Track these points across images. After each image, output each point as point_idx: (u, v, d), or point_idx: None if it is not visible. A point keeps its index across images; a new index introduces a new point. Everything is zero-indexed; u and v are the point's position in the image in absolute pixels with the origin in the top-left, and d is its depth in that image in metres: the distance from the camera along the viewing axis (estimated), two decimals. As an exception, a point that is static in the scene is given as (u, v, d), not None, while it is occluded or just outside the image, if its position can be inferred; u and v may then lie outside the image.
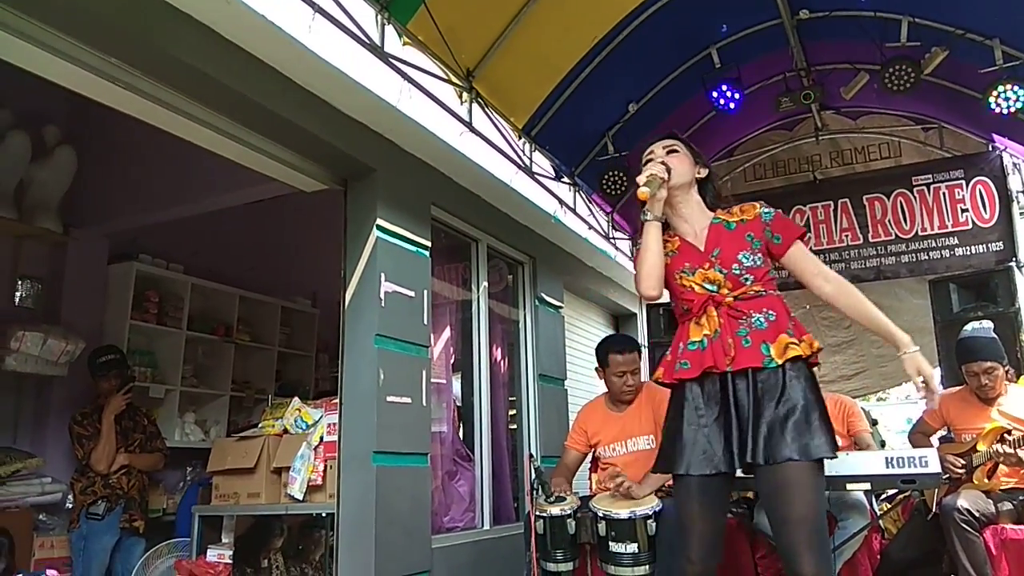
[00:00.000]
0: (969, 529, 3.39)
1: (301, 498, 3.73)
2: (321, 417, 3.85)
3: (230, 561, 3.90)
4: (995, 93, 4.45)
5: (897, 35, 4.62)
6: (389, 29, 3.64)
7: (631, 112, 5.34)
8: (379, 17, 3.57)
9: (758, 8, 4.70)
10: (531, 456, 3.26)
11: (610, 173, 5.49)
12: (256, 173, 3.75)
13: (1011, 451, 3.43)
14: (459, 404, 4.85)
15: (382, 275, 3.71)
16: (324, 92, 3.42)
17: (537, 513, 3.18)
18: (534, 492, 3.22)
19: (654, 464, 2.37)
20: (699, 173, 2.42)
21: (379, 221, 3.77)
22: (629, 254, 7.05)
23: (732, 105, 5.04)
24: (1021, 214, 5.64)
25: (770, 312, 2.22)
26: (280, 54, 3.16)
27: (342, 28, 3.32)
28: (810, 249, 5.81)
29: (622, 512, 3.06)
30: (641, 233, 2.32)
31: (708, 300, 2.25)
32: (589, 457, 3.79)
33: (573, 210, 5.75)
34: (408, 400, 3.76)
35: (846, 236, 5.97)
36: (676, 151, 2.40)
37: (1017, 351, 4.63)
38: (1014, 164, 5.69)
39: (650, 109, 5.38)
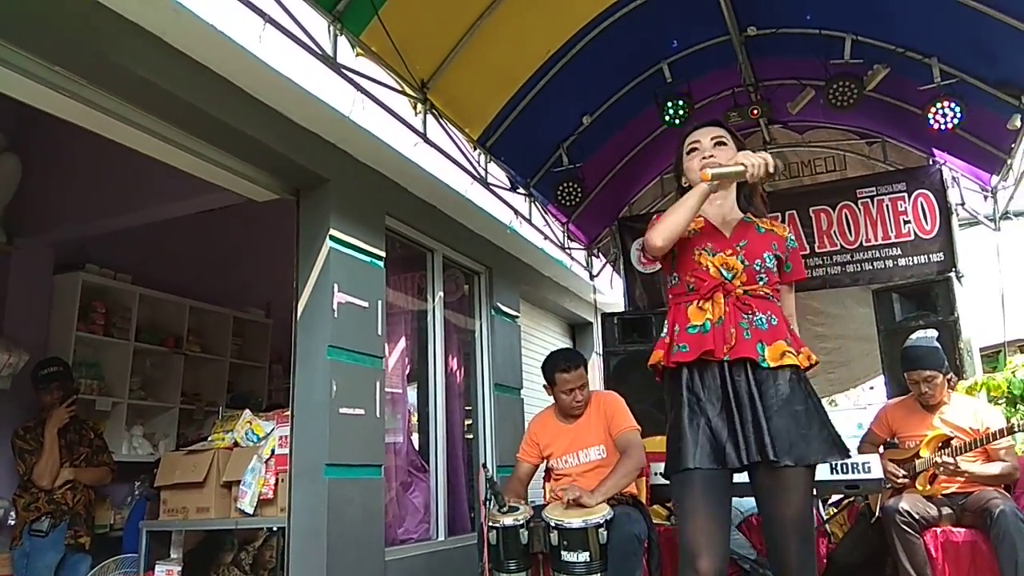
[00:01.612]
0: (910, 532, 3.47)
1: (252, 512, 3.68)
2: (272, 430, 3.81)
3: (179, 577, 3.83)
4: (934, 109, 4.60)
5: (841, 52, 4.76)
6: (342, 40, 3.64)
7: (585, 124, 5.40)
8: (331, 28, 3.57)
9: (708, 24, 4.79)
10: (484, 466, 3.26)
11: (565, 184, 5.54)
12: (206, 182, 3.71)
13: (950, 460, 3.54)
14: (414, 414, 4.85)
15: (335, 286, 3.69)
16: (275, 102, 3.40)
17: (490, 523, 3.18)
18: (487, 502, 3.23)
19: (665, 467, 2.24)
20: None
21: (332, 231, 3.76)
22: (584, 264, 7.13)
23: (677, 122, 5.13)
24: (960, 226, 5.84)
25: (773, 316, 2.22)
26: (230, 64, 3.14)
27: (293, 38, 3.31)
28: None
29: (574, 521, 3.08)
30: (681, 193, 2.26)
31: (719, 286, 2.21)
32: (542, 468, 3.82)
33: (529, 221, 5.79)
34: (361, 411, 3.74)
35: (794, 246, 6.10)
36: (724, 143, 2.32)
37: (956, 359, 4.80)
38: (953, 178, 5.89)
39: (604, 122, 5.45)
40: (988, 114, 4.69)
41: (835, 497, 4.37)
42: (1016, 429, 3.58)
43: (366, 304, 3.88)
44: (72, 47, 2.70)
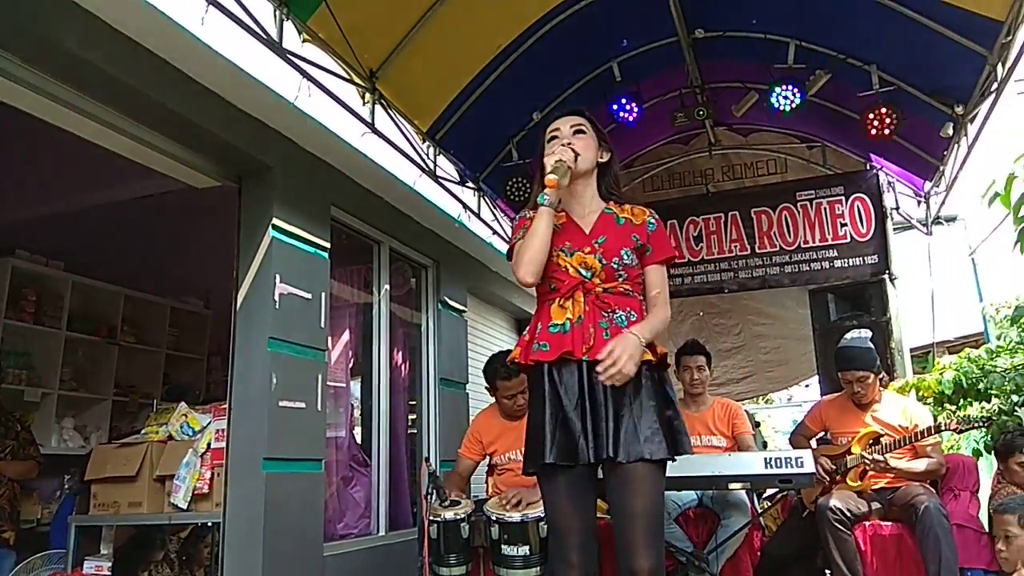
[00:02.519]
0: (841, 527, 3.58)
1: (185, 507, 3.61)
2: (209, 423, 3.74)
3: (108, 573, 3.72)
4: (871, 115, 4.74)
5: (785, 57, 4.86)
6: (288, 25, 3.56)
7: (535, 120, 5.41)
8: (277, 12, 3.49)
9: (657, 26, 4.84)
10: (427, 460, 3.26)
11: (514, 179, 5.54)
12: (144, 167, 3.60)
13: (880, 457, 3.66)
14: (357, 408, 4.79)
15: (277, 276, 3.62)
16: (217, 86, 3.32)
17: (431, 518, 3.18)
18: (429, 497, 3.22)
19: (523, 466, 2.30)
20: (602, 157, 2.38)
21: (275, 220, 3.68)
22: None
23: (631, 118, 5.18)
24: (894, 230, 6.04)
25: (632, 312, 2.25)
26: (170, 45, 3.05)
27: (237, 22, 3.22)
28: (702, 258, 6.01)
29: (515, 515, 3.10)
30: (534, 209, 2.25)
31: (579, 285, 2.23)
32: (485, 462, 3.82)
33: (478, 215, 5.77)
34: (302, 405, 3.68)
35: (735, 246, 6.23)
36: (583, 131, 2.35)
37: (888, 359, 4.97)
38: (889, 183, 6.09)
39: (554, 117, 5.45)
40: (923, 122, 4.85)
41: (770, 491, 4.49)
42: (943, 428, 3.72)
43: (309, 296, 3.82)
44: (1, 22, 2.57)
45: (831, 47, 4.80)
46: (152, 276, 5.73)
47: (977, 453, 5.49)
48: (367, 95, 4.14)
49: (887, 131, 4.73)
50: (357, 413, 4.77)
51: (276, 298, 3.60)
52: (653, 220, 2.37)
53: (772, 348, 8.51)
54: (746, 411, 4.46)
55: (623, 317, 2.22)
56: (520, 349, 2.30)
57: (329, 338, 4.08)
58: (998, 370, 5.16)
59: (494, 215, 6.01)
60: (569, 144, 2.28)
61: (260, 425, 3.48)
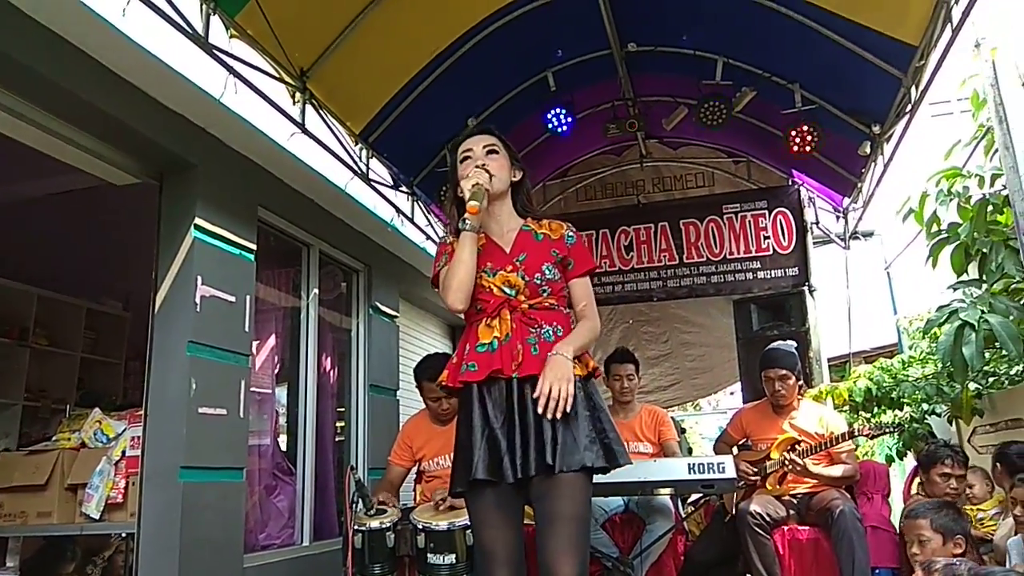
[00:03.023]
0: (760, 532, 3.68)
1: (98, 517, 3.48)
2: (124, 430, 3.60)
3: (15, 588, 3.53)
4: (793, 133, 4.92)
5: (713, 73, 5.00)
6: (215, 20, 3.45)
7: (470, 126, 5.39)
8: (204, 6, 3.38)
9: (591, 38, 4.90)
10: (352, 468, 3.19)
11: (448, 185, 5.52)
12: (61, 162, 3.44)
13: (799, 461, 3.79)
14: (283, 415, 4.68)
15: (199, 278, 3.51)
16: (138, 79, 3.21)
17: (355, 526, 3.12)
18: (354, 505, 3.16)
19: (450, 486, 2.27)
20: (515, 176, 2.40)
21: (198, 220, 3.57)
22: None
23: (564, 128, 5.23)
24: (814, 243, 6.27)
25: (559, 327, 2.27)
26: (89, 36, 2.93)
27: (161, 14, 3.10)
28: (632, 267, 6.10)
29: (441, 523, 3.07)
30: (455, 235, 2.26)
31: (504, 303, 2.24)
32: (414, 470, 3.78)
33: (411, 219, 5.71)
34: (223, 411, 3.57)
35: (664, 256, 6.37)
36: (495, 151, 2.36)
37: (807, 368, 5.14)
38: (809, 198, 6.32)
39: (489, 124, 5.46)
40: (842, 139, 5.05)
41: (694, 496, 4.58)
42: (856, 434, 3.88)
43: (233, 299, 3.71)
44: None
45: (757, 65, 4.95)
46: (68, 276, 5.47)
47: (890, 459, 5.74)
48: (297, 94, 4.05)
49: (808, 148, 4.90)
50: (282, 420, 4.67)
51: (197, 300, 3.49)
52: (571, 233, 2.40)
53: (698, 356, 8.71)
54: (672, 418, 4.55)
55: (550, 332, 2.24)
56: (449, 372, 2.29)
57: (254, 343, 3.97)
58: (910, 379, 5.40)
59: (428, 220, 5.96)
60: (483, 165, 2.28)
61: (178, 432, 3.37)
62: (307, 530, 4.38)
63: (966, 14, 3.39)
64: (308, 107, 4.11)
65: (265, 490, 4.21)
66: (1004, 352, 4.47)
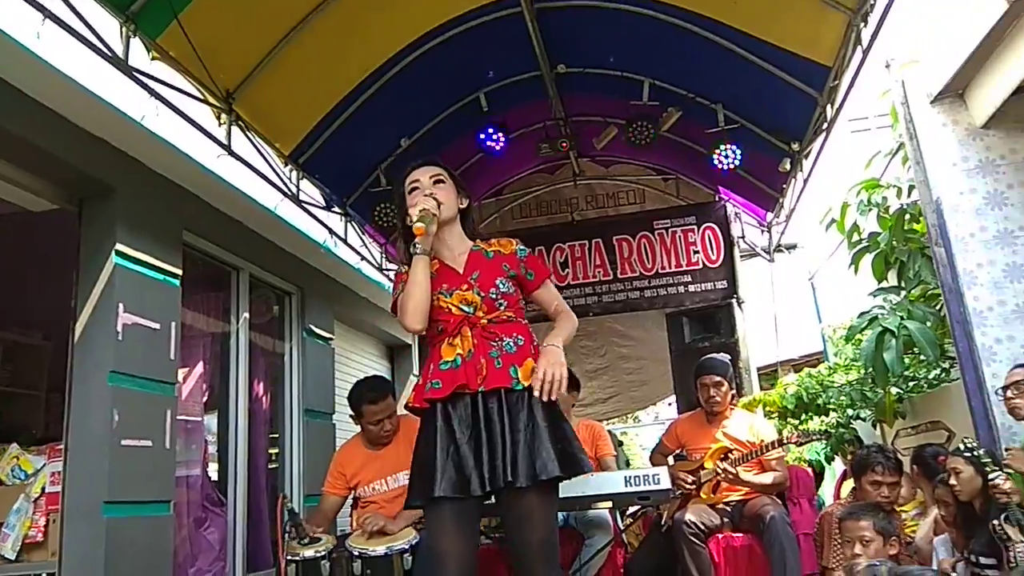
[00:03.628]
0: (695, 541, 3.73)
1: (14, 558, 3.33)
2: (44, 465, 3.46)
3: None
4: (718, 151, 5.07)
5: (640, 94, 5.13)
6: (135, 42, 3.37)
7: (403, 147, 5.40)
8: (124, 29, 3.30)
9: (521, 59, 4.96)
10: (283, 496, 3.12)
11: (382, 205, 5.48)
12: (-29, 189, 3.30)
13: (731, 469, 3.87)
14: (213, 444, 4.55)
15: (120, 305, 3.41)
16: (54, 103, 3.11)
17: (289, 557, 3.04)
18: (285, 534, 3.09)
19: (406, 499, 2.32)
20: (462, 203, 2.46)
21: (119, 246, 3.47)
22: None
23: (497, 147, 5.28)
24: (741, 257, 6.46)
25: (519, 337, 2.32)
26: (1, 58, 2.82)
27: (78, 37, 3.02)
28: (568, 283, 6.18)
29: (378, 548, 3.02)
30: (407, 263, 2.31)
31: (463, 321, 2.29)
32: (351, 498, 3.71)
33: (345, 240, 5.65)
34: (148, 443, 3.46)
35: (599, 272, 6.47)
36: (442, 180, 2.41)
37: (737, 378, 5.27)
38: (735, 213, 6.52)
39: (422, 145, 5.47)
40: (764, 157, 5.23)
41: (632, 508, 4.63)
42: (785, 441, 3.99)
43: (157, 326, 3.61)
44: None
45: (682, 86, 5.10)
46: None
47: (819, 464, 5.92)
48: (223, 116, 3.98)
49: (732, 166, 5.06)
50: (212, 449, 4.54)
51: (119, 329, 3.38)
52: (522, 248, 2.49)
53: (635, 369, 8.86)
54: (609, 431, 4.60)
55: (511, 344, 2.30)
56: (415, 393, 2.34)
57: (180, 370, 3.87)
58: (835, 385, 5.60)
59: (362, 241, 5.91)
60: (431, 194, 2.34)
61: (100, 466, 3.25)
62: (239, 562, 4.26)
63: (874, 36, 3.56)
64: (234, 128, 4.04)
65: (194, 522, 4.08)
66: (923, 357, 4.70)
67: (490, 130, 5.30)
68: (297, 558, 3.04)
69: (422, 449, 2.27)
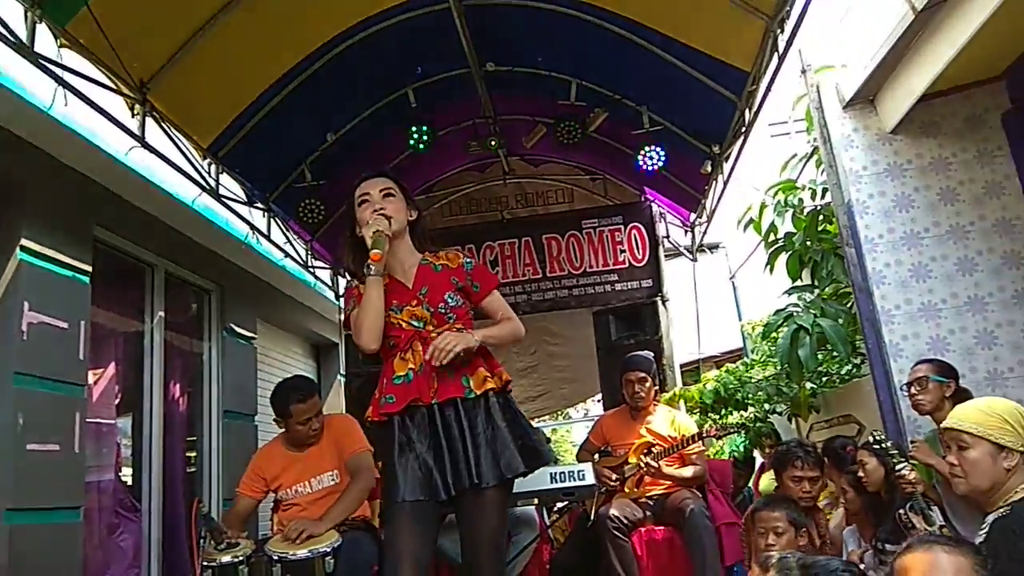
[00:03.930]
0: (619, 535, 3.81)
1: (-96, 574, 3.09)
2: (-62, 473, 3.23)
3: None
4: (643, 152, 5.17)
5: (568, 94, 5.17)
6: (42, 28, 3.20)
7: (330, 142, 5.30)
8: (29, 14, 3.13)
9: (451, 57, 4.93)
10: (199, 501, 3.02)
11: (307, 201, 5.37)
12: None
13: (654, 464, 3.96)
14: (126, 447, 4.38)
15: (25, 304, 3.25)
16: (-51, 89, 2.92)
17: (204, 562, 2.95)
18: (201, 540, 2.99)
19: (381, 503, 2.44)
20: (411, 215, 2.51)
21: (24, 241, 3.31)
22: (330, 283, 6.97)
23: (422, 146, 5.25)
24: (666, 256, 6.60)
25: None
26: None
27: (-25, 19, 2.85)
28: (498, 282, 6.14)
29: (299, 552, 2.96)
30: (357, 277, 2.40)
31: (414, 336, 2.36)
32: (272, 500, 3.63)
33: (268, 237, 5.51)
34: (55, 447, 3.31)
35: (528, 270, 6.51)
36: (392, 194, 2.46)
37: (661, 374, 5.39)
38: (660, 213, 6.66)
39: (349, 140, 5.39)
40: (687, 159, 5.35)
41: (560, 504, 4.68)
42: (704, 435, 4.10)
43: (65, 325, 3.45)
44: None
45: (608, 88, 5.16)
46: None
47: (746, 455, 6.11)
48: (137, 107, 3.82)
49: (656, 167, 5.16)
50: (126, 452, 4.36)
51: (24, 328, 3.22)
52: (469, 260, 2.56)
53: (564, 367, 8.94)
54: (538, 428, 4.62)
55: (461, 355, 2.34)
56: (372, 407, 2.40)
57: (91, 372, 3.70)
58: (753, 381, 5.79)
59: (287, 237, 5.78)
60: (382, 210, 2.39)
61: (3, 472, 3.08)
62: (155, 569, 4.12)
63: (789, 43, 3.69)
64: (149, 120, 3.88)
65: (107, 529, 3.92)
66: (835, 353, 4.90)
67: (419, 126, 5.26)
68: (214, 564, 2.95)
69: (386, 461, 2.37)
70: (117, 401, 4.22)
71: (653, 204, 6.53)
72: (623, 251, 6.34)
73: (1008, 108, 4.33)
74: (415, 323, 2.37)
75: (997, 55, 4.12)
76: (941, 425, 2.32)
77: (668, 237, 6.73)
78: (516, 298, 6.45)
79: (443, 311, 2.38)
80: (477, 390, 2.35)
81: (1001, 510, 2.02)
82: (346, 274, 2.59)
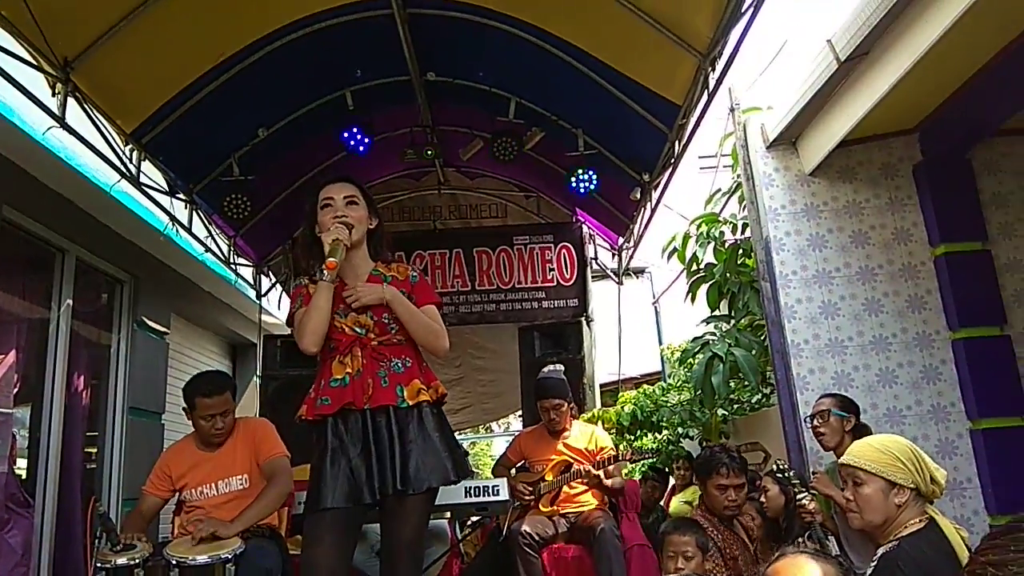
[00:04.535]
0: (530, 552, 3.83)
1: None
2: None
3: None
4: (576, 175, 5.25)
5: (507, 111, 5.21)
6: (-42, -5, 3.04)
7: (261, 137, 5.18)
8: (-57, -22, 2.97)
9: (392, 62, 4.89)
10: (94, 499, 2.89)
11: (233, 196, 5.22)
12: None
13: (595, 472, 4.01)
14: (22, 439, 4.14)
15: (-83, 283, 3.04)
16: None
17: (98, 563, 2.82)
18: (96, 541, 2.86)
19: (304, 508, 2.39)
20: (371, 223, 2.56)
21: (-79, 217, 3.10)
22: (252, 281, 6.79)
23: (361, 148, 5.19)
24: (593, 278, 6.72)
25: (407, 359, 2.47)
26: None
27: None
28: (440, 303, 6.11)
29: (199, 557, 2.86)
30: (308, 276, 2.47)
31: (355, 341, 2.41)
32: (173, 501, 3.50)
33: (188, 230, 5.32)
34: (-59, 436, 3.10)
35: (457, 282, 6.52)
36: (355, 202, 2.51)
37: (581, 392, 5.47)
38: (590, 235, 6.78)
39: (281, 137, 5.28)
40: (618, 184, 5.47)
41: (473, 519, 4.67)
42: (621, 458, 4.18)
43: (-39, 307, 3.25)
44: None
45: (546, 108, 5.23)
46: None
47: (655, 467, 6.22)
48: (58, 85, 3.65)
49: (588, 190, 5.26)
50: (21, 444, 4.13)
51: (-87, 308, 3.02)
52: (415, 274, 2.62)
53: (489, 381, 8.96)
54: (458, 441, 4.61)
55: (399, 364, 2.44)
56: (306, 406, 2.44)
57: (-13, 358, 3.51)
58: (668, 405, 5.94)
59: (209, 232, 5.60)
60: (344, 217, 2.44)
61: None
62: (45, 569, 3.91)
63: (719, 82, 3.82)
64: (71, 100, 3.72)
65: (-7, 526, 3.69)
66: (746, 382, 5.08)
67: (354, 130, 5.20)
68: (108, 565, 2.83)
69: (315, 462, 2.38)
70: (16, 390, 3.99)
71: (584, 225, 6.65)
72: (552, 269, 6.43)
73: (919, 160, 4.61)
74: (358, 329, 2.42)
75: (912, 109, 4.39)
76: (839, 460, 2.43)
77: (596, 259, 6.85)
78: (444, 309, 6.40)
79: (386, 321, 2.43)
80: (410, 400, 2.40)
81: (890, 544, 2.12)
82: (295, 272, 2.61)
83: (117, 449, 4.64)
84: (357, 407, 2.36)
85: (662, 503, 5.86)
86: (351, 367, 2.39)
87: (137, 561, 2.87)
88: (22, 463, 4.13)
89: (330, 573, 2.25)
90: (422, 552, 2.45)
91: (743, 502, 3.46)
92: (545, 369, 4.53)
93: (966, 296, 4.37)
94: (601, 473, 4.05)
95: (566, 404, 4.25)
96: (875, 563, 2.12)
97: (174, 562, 2.85)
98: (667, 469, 6.19)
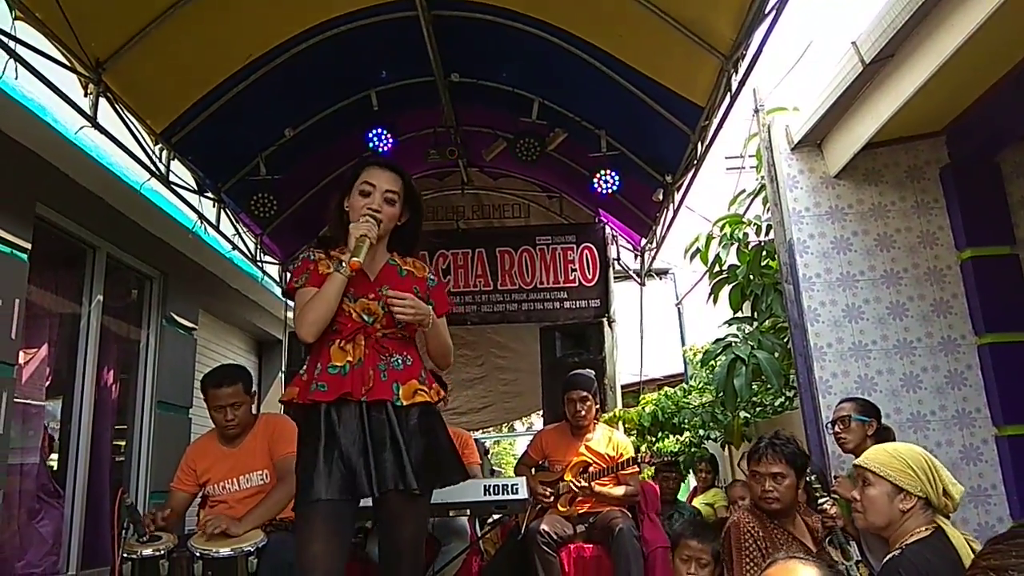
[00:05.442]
0: (548, 551, 3.84)
1: None
2: None
3: None
4: (598, 176, 5.26)
5: (530, 111, 5.23)
6: (-2, -2, 3.13)
7: (287, 137, 5.25)
8: (-17, -18, 3.06)
9: (416, 64, 4.94)
10: (122, 491, 2.96)
11: (260, 195, 5.31)
12: None
13: (585, 484, 4.02)
14: (54, 431, 4.25)
15: (-44, 278, 3.14)
16: None
17: (126, 554, 2.89)
18: (123, 531, 2.93)
19: (294, 503, 2.28)
20: (401, 220, 2.46)
21: (-41, 214, 3.20)
22: (278, 279, 6.88)
23: (385, 148, 5.24)
24: (615, 278, 6.71)
25: (408, 357, 2.37)
26: None
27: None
28: (449, 291, 6.29)
29: (223, 550, 2.92)
30: (324, 251, 2.37)
31: (360, 329, 2.30)
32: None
33: (217, 228, 5.42)
34: (-23, 427, 3.20)
35: (480, 282, 6.54)
36: (393, 200, 2.39)
37: (602, 392, 5.47)
38: (612, 236, 6.77)
39: (308, 137, 5.35)
40: (641, 185, 5.45)
41: (493, 517, 4.70)
42: (639, 461, 4.18)
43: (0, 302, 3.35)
44: None
45: (569, 109, 5.24)
46: None
47: (657, 470, 6.18)
48: (91, 86, 3.74)
49: (610, 191, 5.26)
50: (53, 436, 4.24)
51: (-48, 303, 3.12)
52: (433, 277, 2.53)
53: (510, 380, 8.98)
54: (477, 440, 4.65)
55: (400, 361, 2.34)
56: (298, 388, 2.30)
57: (22, 351, 3.60)
58: (690, 406, 5.91)
59: (236, 230, 5.69)
60: (377, 212, 2.33)
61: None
62: (75, 557, 4.01)
63: (742, 84, 3.81)
64: (102, 100, 3.81)
65: (27, 514, 3.80)
66: (769, 385, 5.05)
67: (379, 130, 5.25)
68: (134, 556, 2.90)
69: (304, 453, 2.26)
70: (47, 383, 4.10)
71: (606, 226, 6.64)
72: (574, 270, 6.43)
73: (946, 163, 4.55)
74: (365, 317, 2.31)
75: (939, 111, 4.34)
76: (855, 462, 2.44)
77: (618, 260, 6.84)
78: (466, 308, 6.48)
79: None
80: (405, 400, 2.30)
81: (894, 552, 2.12)
82: (316, 240, 2.51)
83: (145, 442, 4.74)
84: (354, 398, 2.24)
85: (680, 497, 5.80)
86: (352, 355, 2.27)
87: (162, 552, 2.94)
88: (53, 455, 4.24)
89: (327, 567, 2.15)
90: (422, 552, 2.38)
91: (785, 494, 2.99)
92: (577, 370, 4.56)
93: (992, 301, 4.31)
94: (606, 489, 4.04)
95: (591, 399, 4.24)
96: (879, 570, 2.13)
97: (198, 554, 2.92)
98: (678, 462, 6.17)
